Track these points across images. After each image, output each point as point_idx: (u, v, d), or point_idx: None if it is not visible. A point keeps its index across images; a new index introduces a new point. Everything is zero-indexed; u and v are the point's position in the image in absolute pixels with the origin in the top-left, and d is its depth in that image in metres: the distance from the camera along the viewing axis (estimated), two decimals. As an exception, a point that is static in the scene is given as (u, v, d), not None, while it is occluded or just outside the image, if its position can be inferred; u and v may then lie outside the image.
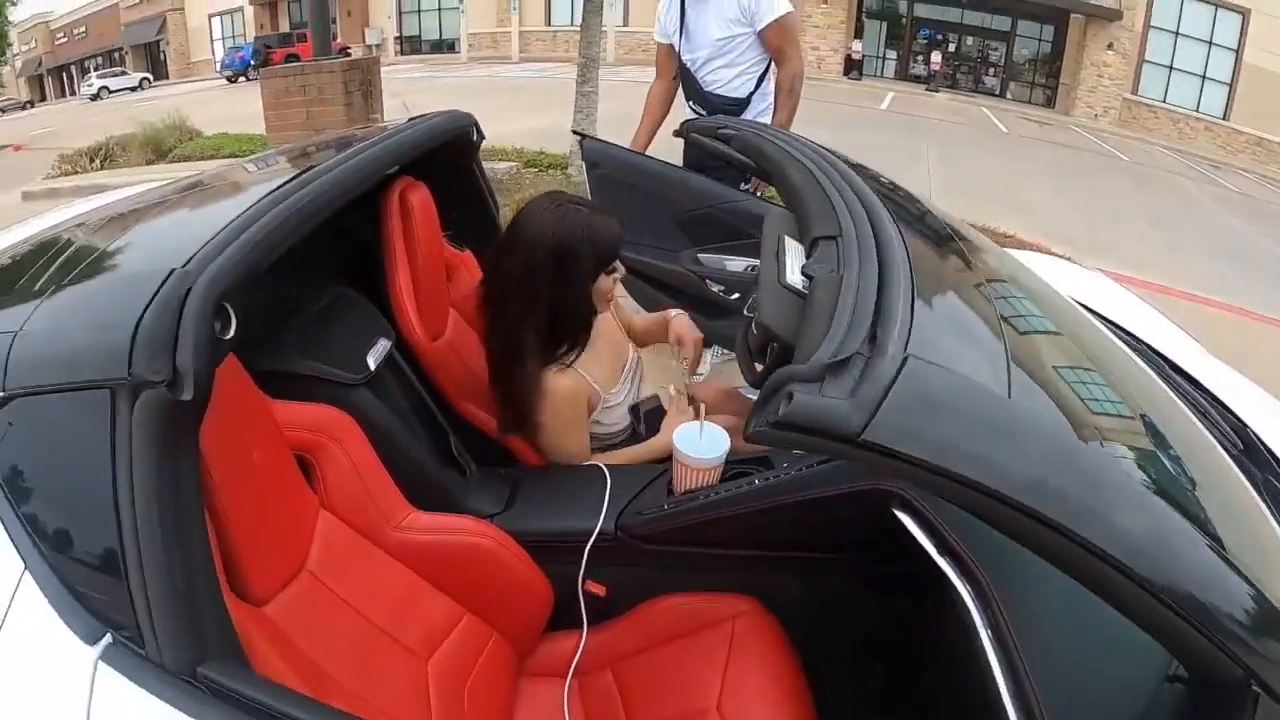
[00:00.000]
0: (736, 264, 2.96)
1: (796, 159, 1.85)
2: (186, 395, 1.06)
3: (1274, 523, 1.54)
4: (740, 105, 3.77)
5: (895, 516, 1.51)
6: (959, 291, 1.48)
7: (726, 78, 3.73)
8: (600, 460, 2.13)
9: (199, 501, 1.17)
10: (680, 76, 3.89)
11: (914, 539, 1.45)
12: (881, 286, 1.13)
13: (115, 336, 1.07)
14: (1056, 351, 1.54)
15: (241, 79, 33.08)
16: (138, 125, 12.32)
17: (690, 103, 3.89)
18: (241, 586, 1.37)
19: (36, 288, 1.41)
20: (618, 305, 2.36)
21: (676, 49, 3.84)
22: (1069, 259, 5.61)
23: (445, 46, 38.09)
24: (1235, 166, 25.25)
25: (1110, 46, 29.19)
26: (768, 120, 3.79)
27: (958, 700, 1.44)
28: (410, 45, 39.49)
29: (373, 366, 1.91)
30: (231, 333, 1.18)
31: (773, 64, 3.77)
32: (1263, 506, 1.59)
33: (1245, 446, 1.98)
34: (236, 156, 10.33)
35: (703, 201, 3.03)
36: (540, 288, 1.95)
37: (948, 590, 1.35)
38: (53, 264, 1.55)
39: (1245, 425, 2.11)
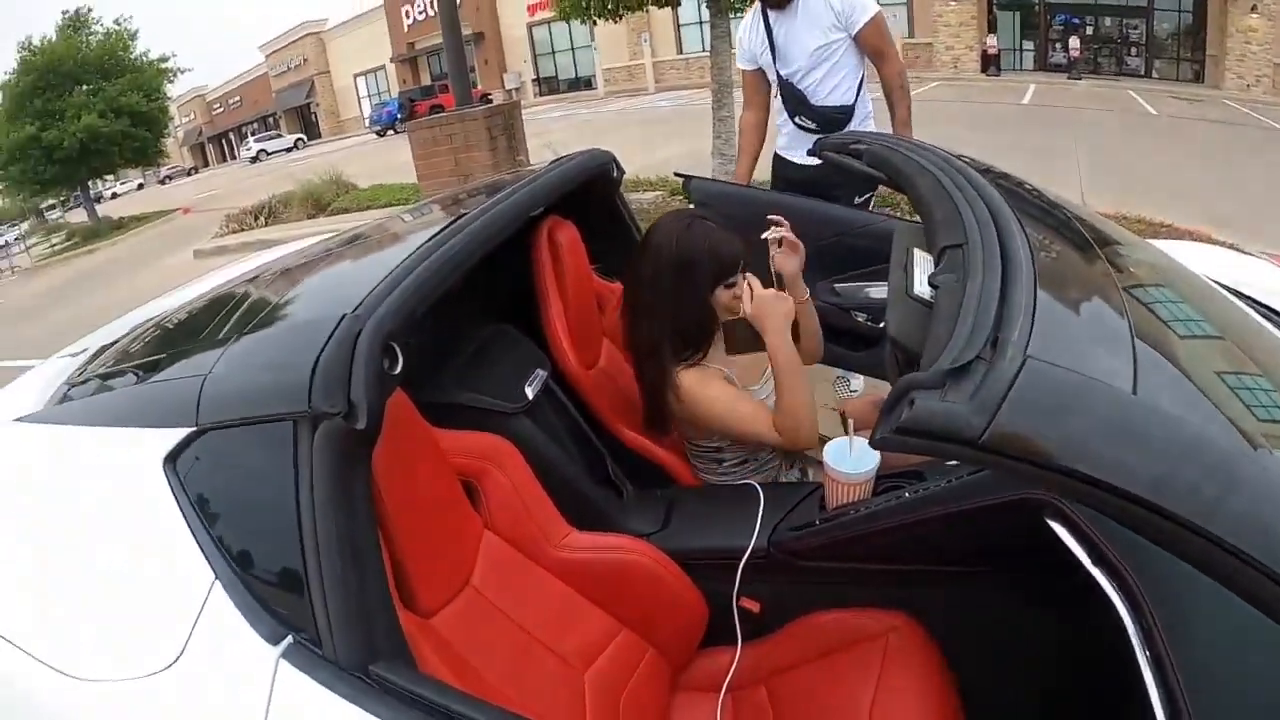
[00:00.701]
0: (878, 289, 2.84)
1: (925, 168, 1.82)
2: (361, 424, 1.20)
3: None
4: (848, 113, 3.70)
5: (1049, 527, 1.47)
6: (1088, 291, 1.43)
7: (830, 86, 3.66)
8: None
9: (373, 520, 1.30)
10: (781, 95, 3.78)
11: (1069, 550, 1.41)
12: (1004, 291, 1.14)
13: (297, 375, 1.24)
14: (1198, 346, 1.48)
15: (390, 132, 34.83)
16: (296, 183, 13.04)
17: (797, 119, 3.78)
18: (411, 599, 1.49)
19: (220, 336, 1.59)
20: None
21: (771, 70, 3.74)
22: (1232, 245, 5.34)
23: (582, 84, 39.10)
24: None
25: (1254, 9, 26.80)
26: (871, 127, 3.73)
27: (1114, 705, 1.40)
28: (548, 86, 40.80)
29: (530, 396, 2.02)
30: (399, 369, 1.32)
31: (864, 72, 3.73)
32: None
33: None
34: (392, 205, 10.83)
35: (831, 229, 2.92)
36: (664, 294, 2.06)
37: (1105, 604, 1.31)
38: (233, 315, 1.73)
39: None
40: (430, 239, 1.64)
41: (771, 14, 3.62)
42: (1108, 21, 31.62)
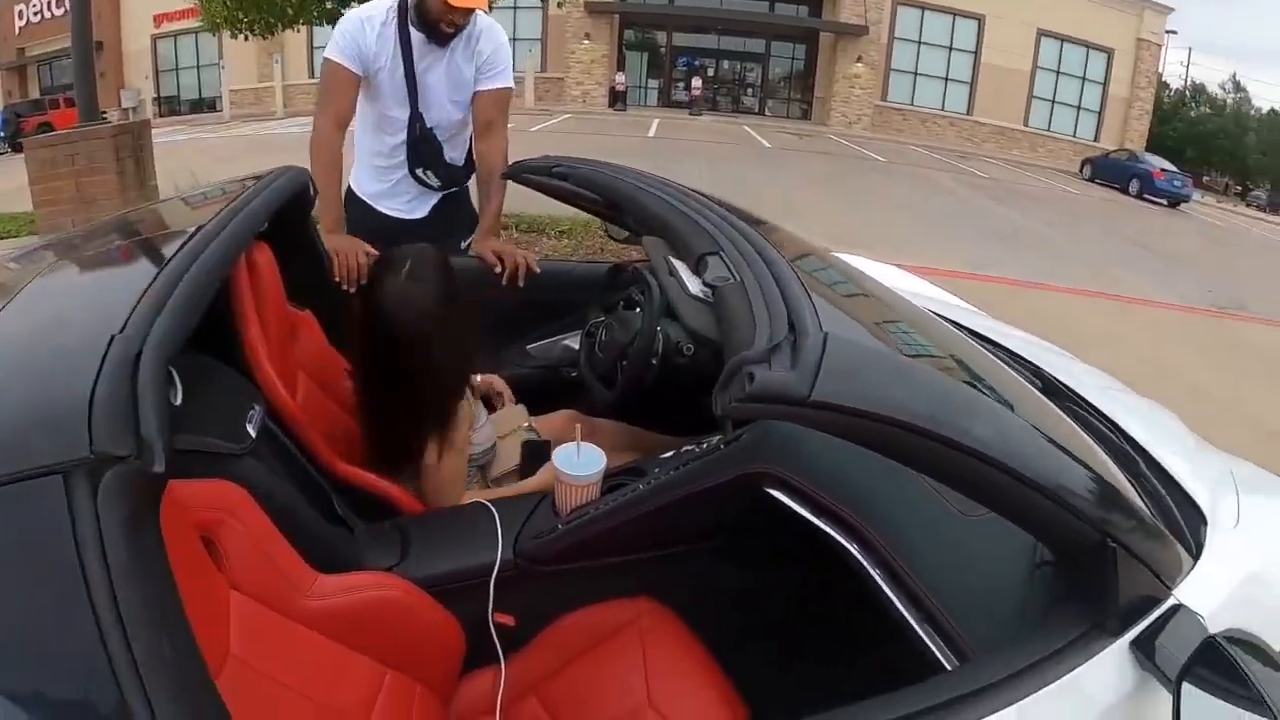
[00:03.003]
0: (572, 339, 2.87)
1: (644, 189, 2.19)
2: (158, 467, 1.00)
3: (1085, 436, 1.89)
4: (470, 172, 3.34)
5: (769, 496, 1.66)
6: (828, 282, 1.98)
7: (461, 142, 3.29)
8: (484, 496, 2.14)
9: (174, 582, 1.05)
10: (410, 141, 3.16)
11: (788, 512, 1.64)
12: (779, 284, 1.54)
13: (64, 413, 0.99)
14: (893, 318, 1.98)
15: (-8, 151, 30.42)
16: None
17: (420, 171, 3.23)
18: None
19: None
20: None
21: (401, 105, 3.10)
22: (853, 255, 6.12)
23: (205, 105, 36.71)
24: (981, 155, 28.56)
25: (859, 59, 32.08)
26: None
27: (866, 636, 1.66)
28: (169, 106, 37.74)
29: (253, 434, 1.78)
30: (179, 399, 1.18)
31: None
32: (1073, 423, 1.95)
33: (1044, 384, 2.47)
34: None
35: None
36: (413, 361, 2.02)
37: (830, 548, 1.57)
38: None
39: (1040, 369, 2.66)
40: (177, 251, 1.47)
41: (417, 41, 3.00)
42: (726, 65, 35.19)
